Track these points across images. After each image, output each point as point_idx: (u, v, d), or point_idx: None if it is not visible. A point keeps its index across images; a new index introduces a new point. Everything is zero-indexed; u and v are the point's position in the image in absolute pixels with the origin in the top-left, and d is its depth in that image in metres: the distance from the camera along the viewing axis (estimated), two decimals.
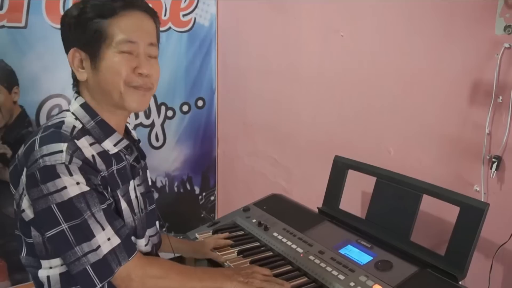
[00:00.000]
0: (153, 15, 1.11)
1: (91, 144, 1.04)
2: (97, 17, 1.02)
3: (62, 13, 2.13)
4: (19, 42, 2.05)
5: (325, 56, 2.09)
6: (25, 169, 0.98)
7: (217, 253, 1.39)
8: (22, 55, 2.07)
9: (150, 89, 1.10)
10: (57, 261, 1.04)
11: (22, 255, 1.08)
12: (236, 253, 1.39)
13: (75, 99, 1.10)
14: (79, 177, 0.97)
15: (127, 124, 1.22)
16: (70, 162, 0.96)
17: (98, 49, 1.03)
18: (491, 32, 1.46)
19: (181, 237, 2.59)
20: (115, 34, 1.02)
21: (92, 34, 1.02)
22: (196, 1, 2.58)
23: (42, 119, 2.16)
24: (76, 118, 1.06)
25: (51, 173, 0.95)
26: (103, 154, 1.06)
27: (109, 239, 0.99)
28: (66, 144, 0.97)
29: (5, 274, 2.19)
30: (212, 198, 2.93)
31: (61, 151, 0.96)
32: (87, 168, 0.99)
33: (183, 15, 2.56)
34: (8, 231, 2.09)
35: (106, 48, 1.03)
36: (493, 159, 1.49)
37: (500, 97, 1.46)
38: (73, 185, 0.96)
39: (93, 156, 1.02)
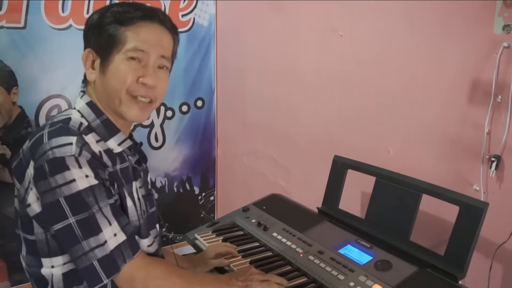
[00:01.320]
0: (173, 31, 1.12)
1: (97, 141, 1.05)
2: (115, 22, 1.04)
3: (61, 13, 2.15)
4: (18, 43, 2.05)
5: (324, 56, 2.09)
6: (32, 162, 0.98)
7: (219, 259, 1.36)
8: (21, 56, 2.07)
9: (152, 103, 1.10)
10: (59, 259, 1.03)
11: (22, 254, 1.07)
12: (248, 263, 1.35)
13: (81, 97, 1.11)
14: (88, 170, 0.97)
15: None
16: (79, 154, 0.96)
17: (109, 53, 1.04)
18: (490, 31, 1.46)
19: (180, 237, 2.60)
20: (127, 41, 1.04)
21: (106, 38, 1.04)
22: (195, 1, 2.58)
23: (41, 120, 2.16)
24: (82, 116, 1.07)
25: (60, 165, 0.94)
26: (108, 152, 1.06)
27: (115, 234, 0.99)
28: (75, 138, 0.98)
29: (5, 274, 2.19)
30: (211, 198, 2.93)
31: (71, 143, 0.96)
32: (96, 162, 0.99)
33: (182, 15, 2.56)
34: (8, 232, 2.09)
35: (116, 53, 1.04)
36: (492, 159, 1.49)
37: (499, 97, 1.46)
38: (82, 178, 0.95)
39: (100, 152, 1.03)
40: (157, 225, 1.29)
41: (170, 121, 2.66)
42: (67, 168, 0.94)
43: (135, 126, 2.51)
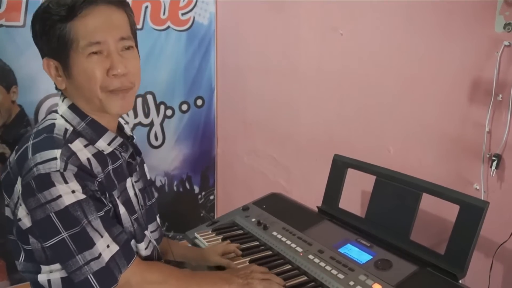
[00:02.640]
0: (122, 5, 1.03)
1: (85, 146, 1.01)
2: (58, 22, 0.95)
3: None
4: (18, 41, 2.05)
5: (325, 55, 2.08)
6: (19, 179, 0.96)
7: (227, 260, 1.34)
8: (21, 54, 2.06)
9: (130, 89, 1.04)
10: (57, 265, 1.02)
11: (20, 261, 1.06)
12: (248, 262, 1.35)
13: (62, 101, 1.06)
14: (74, 184, 0.94)
15: (120, 119, 1.18)
16: (65, 169, 0.93)
17: (67, 56, 0.97)
18: (490, 30, 1.45)
19: (180, 236, 2.59)
20: (79, 38, 0.95)
21: (57, 42, 0.97)
22: (195, 0, 2.58)
23: (41, 119, 2.15)
24: (66, 121, 1.03)
25: (46, 181, 0.92)
26: (98, 155, 1.03)
27: (108, 246, 0.98)
28: (60, 151, 0.94)
29: (4, 273, 2.19)
30: (211, 197, 2.93)
31: (55, 158, 0.93)
32: (83, 174, 0.96)
33: (182, 14, 2.55)
34: (7, 231, 2.08)
35: (74, 54, 0.97)
36: (493, 158, 1.49)
37: (500, 95, 1.46)
38: (68, 193, 0.93)
39: (88, 159, 1.00)
40: (157, 217, 1.27)
41: (170, 120, 2.65)
42: (53, 185, 0.92)
43: (135, 125, 2.51)
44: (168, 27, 2.51)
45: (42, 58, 1.03)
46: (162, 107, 2.60)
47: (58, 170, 0.93)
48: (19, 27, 2.03)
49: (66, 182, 0.93)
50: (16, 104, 2.10)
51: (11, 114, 2.10)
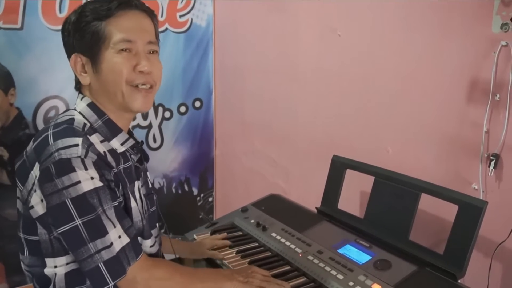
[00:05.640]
0: (151, 14, 1.12)
1: (101, 142, 1.05)
2: (94, 20, 1.03)
3: (58, 14, 2.14)
4: (16, 44, 2.04)
5: (323, 56, 2.09)
6: (37, 164, 0.98)
7: (213, 251, 1.41)
8: (19, 57, 2.06)
9: (152, 87, 1.11)
10: (62, 259, 1.03)
11: (24, 255, 1.07)
12: (234, 253, 1.39)
13: (81, 99, 1.10)
14: (93, 172, 0.97)
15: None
16: (85, 156, 0.96)
17: (97, 51, 1.04)
18: (488, 30, 1.46)
19: (179, 238, 2.59)
20: (112, 35, 1.03)
21: (90, 38, 1.04)
22: (193, 2, 2.58)
23: (39, 121, 2.15)
24: (84, 117, 1.07)
25: (66, 166, 0.94)
26: (112, 152, 1.07)
27: (119, 237, 0.99)
28: (81, 138, 0.98)
29: (3, 276, 2.18)
30: (210, 199, 2.93)
31: (77, 145, 0.96)
32: (101, 163, 1.00)
33: (180, 16, 2.56)
34: (6, 234, 2.07)
35: (105, 50, 1.04)
36: (491, 157, 1.49)
37: (498, 95, 1.46)
38: (87, 179, 0.96)
39: (104, 152, 1.03)
40: (157, 225, 1.29)
41: (168, 122, 2.65)
42: (73, 170, 0.94)
43: (133, 127, 2.51)
44: (166, 29, 2.51)
45: (70, 55, 1.09)
46: (160, 109, 2.60)
47: (79, 156, 0.95)
48: (17, 30, 2.03)
49: (86, 168, 0.96)
50: (14, 106, 2.10)
51: (9, 116, 2.09)
